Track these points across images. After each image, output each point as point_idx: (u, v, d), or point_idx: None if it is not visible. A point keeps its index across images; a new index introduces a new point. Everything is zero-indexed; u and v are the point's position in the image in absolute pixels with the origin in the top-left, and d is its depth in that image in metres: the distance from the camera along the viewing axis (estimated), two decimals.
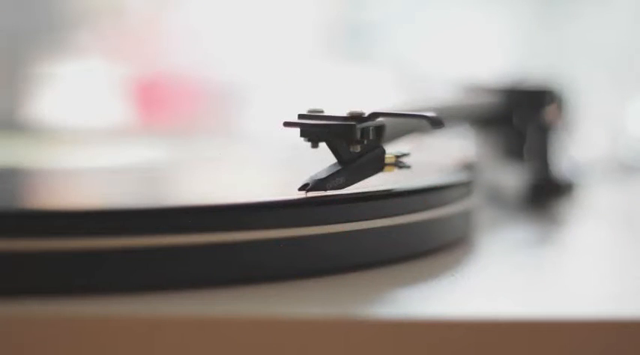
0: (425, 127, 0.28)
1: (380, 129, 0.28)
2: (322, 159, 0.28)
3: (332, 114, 0.28)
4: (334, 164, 0.28)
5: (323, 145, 0.28)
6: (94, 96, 0.92)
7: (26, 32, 0.90)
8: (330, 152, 0.28)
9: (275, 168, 0.41)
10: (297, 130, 0.27)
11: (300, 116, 0.28)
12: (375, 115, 0.28)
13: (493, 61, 0.89)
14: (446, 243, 0.31)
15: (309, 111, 0.28)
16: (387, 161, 0.29)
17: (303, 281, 0.26)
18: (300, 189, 0.27)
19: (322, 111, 0.28)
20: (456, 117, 0.40)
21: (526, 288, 0.29)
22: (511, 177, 0.43)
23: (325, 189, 0.27)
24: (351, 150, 0.28)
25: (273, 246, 0.26)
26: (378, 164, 0.28)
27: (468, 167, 0.35)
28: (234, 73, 0.94)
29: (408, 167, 0.29)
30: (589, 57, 0.87)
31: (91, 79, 0.92)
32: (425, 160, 0.33)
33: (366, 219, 0.27)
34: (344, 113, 0.28)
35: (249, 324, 0.23)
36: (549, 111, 0.44)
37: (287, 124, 0.27)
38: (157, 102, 0.96)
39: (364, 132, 0.28)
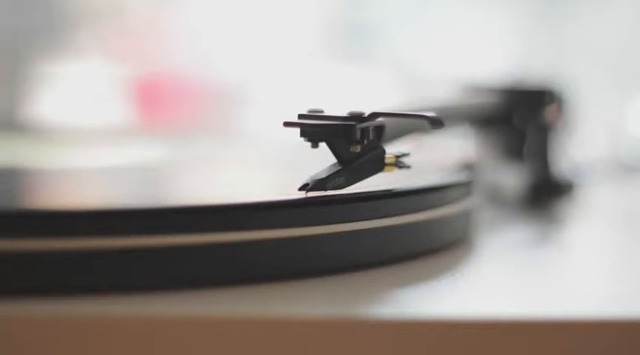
0: (425, 127, 0.28)
1: (380, 129, 0.28)
2: (322, 159, 0.28)
3: (332, 114, 0.28)
4: (334, 164, 0.28)
5: (323, 145, 0.28)
6: (94, 96, 0.92)
7: (26, 32, 0.90)
8: (330, 152, 0.28)
9: (275, 168, 0.41)
10: (297, 130, 0.27)
11: (300, 116, 0.28)
12: (375, 115, 0.28)
13: (493, 61, 0.89)
14: (446, 243, 0.31)
15: (309, 111, 0.28)
16: (387, 161, 0.29)
17: (303, 281, 0.26)
18: (300, 189, 0.27)
19: (322, 111, 0.28)
20: (456, 117, 0.40)
21: (526, 288, 0.29)
22: (511, 177, 0.43)
23: (325, 189, 0.27)
24: (351, 150, 0.28)
25: (273, 246, 0.26)
26: (378, 164, 0.28)
27: (468, 167, 0.35)
28: (235, 72, 0.94)
29: (408, 167, 0.29)
30: (589, 57, 0.87)
31: (91, 79, 0.92)
32: (425, 160, 0.33)
33: (366, 219, 0.27)
34: (344, 113, 0.28)
35: (249, 324, 0.23)
36: (549, 111, 0.44)
37: (287, 124, 0.27)
38: (157, 102, 0.96)
39: (364, 132, 0.28)
